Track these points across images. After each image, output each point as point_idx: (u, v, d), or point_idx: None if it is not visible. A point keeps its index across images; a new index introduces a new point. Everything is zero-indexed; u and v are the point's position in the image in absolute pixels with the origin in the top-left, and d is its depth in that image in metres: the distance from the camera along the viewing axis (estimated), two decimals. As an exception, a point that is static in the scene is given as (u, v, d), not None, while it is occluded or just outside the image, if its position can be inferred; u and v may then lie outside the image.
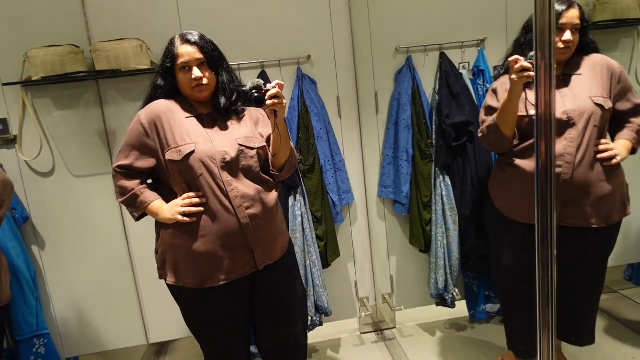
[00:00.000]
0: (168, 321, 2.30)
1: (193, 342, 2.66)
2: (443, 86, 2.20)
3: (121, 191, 1.56)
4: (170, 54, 1.51)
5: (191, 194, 1.49)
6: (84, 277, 2.21)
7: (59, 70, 1.95)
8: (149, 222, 2.16)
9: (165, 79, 1.54)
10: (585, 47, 1.74)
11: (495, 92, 1.80)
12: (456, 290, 2.34)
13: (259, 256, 1.55)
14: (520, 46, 1.75)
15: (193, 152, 1.47)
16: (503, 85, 1.76)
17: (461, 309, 2.41)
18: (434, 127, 2.24)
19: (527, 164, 1.72)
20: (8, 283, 1.74)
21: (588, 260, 1.79)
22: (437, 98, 2.22)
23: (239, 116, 1.59)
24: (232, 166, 1.50)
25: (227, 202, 1.48)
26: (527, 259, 1.74)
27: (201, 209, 1.48)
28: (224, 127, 1.56)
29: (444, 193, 2.23)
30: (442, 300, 2.37)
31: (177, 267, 1.54)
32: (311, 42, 2.19)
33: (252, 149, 1.53)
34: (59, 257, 2.18)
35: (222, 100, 1.54)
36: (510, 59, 1.59)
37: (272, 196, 1.58)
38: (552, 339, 0.89)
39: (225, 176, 1.48)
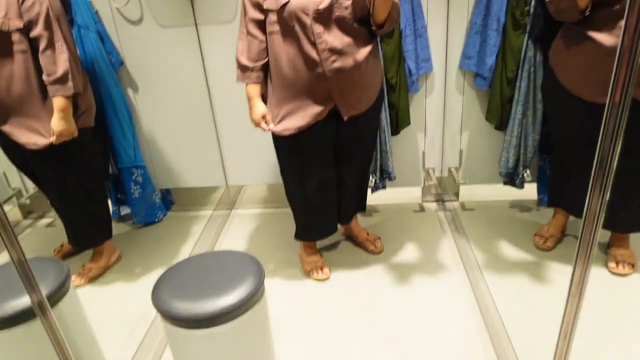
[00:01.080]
0: (245, 167, 2.53)
1: (267, 187, 2.95)
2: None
3: (238, 61, 1.75)
4: None
5: (264, 125, 1.74)
6: (171, 119, 2.44)
7: None
8: (228, 76, 2.27)
9: None
10: None
11: None
12: (527, 171, 2.28)
13: (343, 107, 1.71)
14: None
15: (287, 2, 1.55)
16: None
17: (528, 191, 2.36)
18: (534, -9, 1.98)
19: (605, 38, 1.55)
20: (92, 112, 1.98)
21: None
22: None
23: None
24: (325, 16, 1.55)
25: (314, 54, 1.59)
26: (588, 133, 1.72)
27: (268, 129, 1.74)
28: None
29: (533, 69, 2.05)
30: (510, 179, 2.33)
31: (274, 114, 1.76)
32: None
33: None
34: (150, 100, 2.40)
35: None
36: None
37: (364, 51, 1.64)
38: (604, 198, 0.87)
39: (317, 28, 1.56)
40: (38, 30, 1.69)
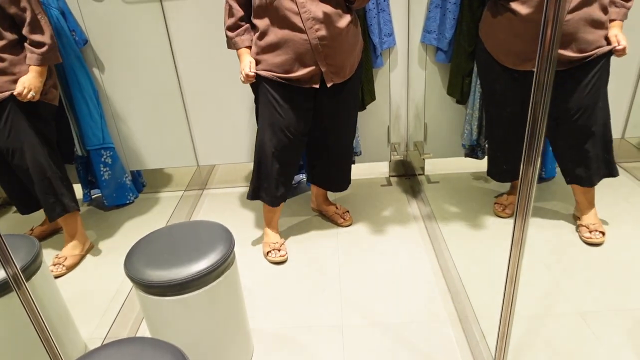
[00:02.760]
0: (216, 147, 2.56)
1: (237, 167, 2.98)
2: None
3: (226, 30, 1.84)
4: None
5: (250, 73, 1.80)
6: (139, 99, 2.44)
7: None
8: (196, 53, 2.28)
9: None
10: None
11: None
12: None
13: (327, 74, 1.82)
14: None
15: None
16: None
17: (489, 162, 2.47)
18: (491, -33, 2.05)
19: (522, 8, 1.73)
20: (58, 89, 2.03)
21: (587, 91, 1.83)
22: None
23: None
24: None
25: (300, 23, 1.70)
26: (517, 99, 1.94)
27: (252, 78, 1.82)
28: None
29: (491, 43, 2.14)
30: (471, 151, 2.43)
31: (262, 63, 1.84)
32: None
33: None
34: (117, 79, 2.39)
35: None
36: None
37: (345, 19, 1.76)
38: (535, 169, 0.97)
39: None
40: (22, 4, 1.78)
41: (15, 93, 1.82)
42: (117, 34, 2.28)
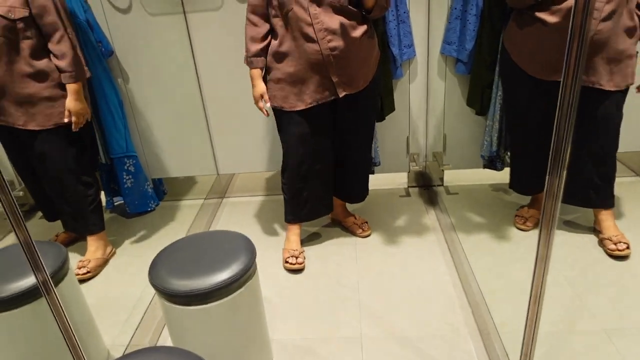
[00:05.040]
0: (235, 156, 2.59)
1: (256, 175, 3.01)
2: None
3: (245, 47, 1.88)
4: None
5: (261, 104, 1.89)
6: (162, 109, 2.48)
7: None
8: (218, 64, 2.32)
9: None
10: None
11: None
12: (508, 154, 2.36)
13: (339, 84, 1.83)
14: None
15: None
16: None
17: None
18: (513, -22, 2.05)
19: (550, 17, 1.72)
20: (88, 99, 2.06)
21: (598, 122, 1.86)
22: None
23: None
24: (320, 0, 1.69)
25: (312, 34, 1.72)
26: (542, 110, 1.93)
27: (265, 113, 1.90)
28: None
29: (512, 54, 2.13)
30: (490, 162, 2.42)
31: (275, 93, 1.89)
32: None
33: None
34: (141, 89, 2.44)
35: None
36: None
37: (359, 30, 1.76)
38: (560, 182, 0.96)
39: (313, 9, 1.70)
40: (49, 19, 1.80)
41: (66, 121, 1.90)
42: (142, 44, 2.33)
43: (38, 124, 1.91)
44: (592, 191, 2.00)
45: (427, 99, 2.42)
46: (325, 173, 2.08)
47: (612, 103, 1.83)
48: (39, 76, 1.85)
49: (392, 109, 2.36)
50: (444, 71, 2.35)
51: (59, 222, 2.39)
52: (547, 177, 0.96)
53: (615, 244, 1.97)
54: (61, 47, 1.84)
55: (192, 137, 2.55)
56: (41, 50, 1.85)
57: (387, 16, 2.13)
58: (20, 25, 1.77)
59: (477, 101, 2.30)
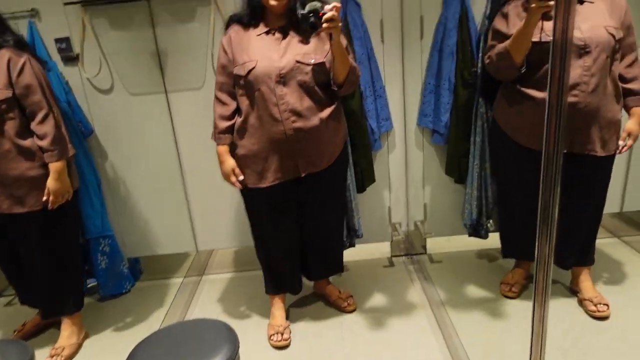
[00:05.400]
0: (214, 232, 2.53)
1: (237, 251, 2.93)
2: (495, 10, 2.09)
3: (214, 124, 1.90)
4: None
5: (234, 178, 1.87)
6: (141, 186, 2.45)
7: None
8: (198, 142, 2.32)
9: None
10: None
11: (505, 16, 1.80)
12: (490, 221, 2.37)
13: (302, 164, 1.82)
14: None
15: (254, 68, 1.69)
16: (515, 9, 1.77)
17: (494, 240, 2.44)
18: (480, 54, 2.17)
19: (537, 93, 1.78)
20: (76, 174, 2.03)
21: (591, 186, 1.91)
22: (487, 23, 2.13)
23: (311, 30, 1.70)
24: (287, 80, 1.69)
25: (277, 114, 1.72)
26: (536, 179, 1.90)
27: (239, 186, 1.88)
28: (289, 42, 1.72)
29: (486, 124, 2.20)
30: (474, 230, 2.41)
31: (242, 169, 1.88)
32: (357, -37, 2.14)
33: (307, 64, 1.70)
34: (120, 167, 2.41)
35: (298, 10, 1.66)
36: None
37: (324, 113, 1.77)
38: (551, 243, 0.95)
39: (280, 90, 1.70)
40: (34, 98, 1.78)
41: (44, 199, 1.84)
42: (123, 123, 2.34)
43: (29, 206, 1.85)
44: (579, 250, 2.02)
45: (406, 169, 2.46)
46: (292, 249, 2.05)
47: (604, 167, 1.89)
48: (25, 155, 1.81)
49: (373, 180, 2.37)
50: (422, 142, 2.40)
51: (25, 308, 2.24)
52: (536, 248, 0.95)
53: (595, 305, 1.97)
54: (44, 127, 1.80)
55: (171, 214, 2.50)
56: (25, 130, 1.82)
57: (364, 91, 2.21)
58: (3, 106, 1.75)
59: (455, 170, 2.34)
